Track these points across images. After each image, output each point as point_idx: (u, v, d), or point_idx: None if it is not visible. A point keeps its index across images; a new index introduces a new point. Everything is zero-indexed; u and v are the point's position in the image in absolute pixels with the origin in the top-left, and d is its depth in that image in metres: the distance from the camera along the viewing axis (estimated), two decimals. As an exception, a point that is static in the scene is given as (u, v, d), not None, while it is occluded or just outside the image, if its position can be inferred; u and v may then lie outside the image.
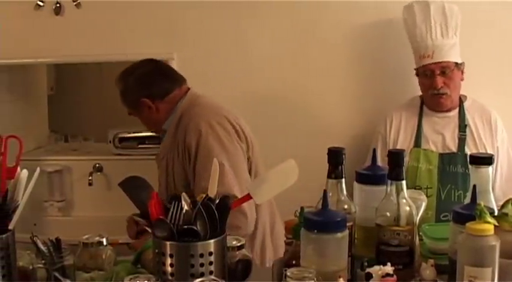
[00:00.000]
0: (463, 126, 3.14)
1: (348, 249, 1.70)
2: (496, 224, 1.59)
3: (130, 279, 1.55)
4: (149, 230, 1.68)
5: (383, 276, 1.64)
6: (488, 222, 1.57)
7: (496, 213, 1.71)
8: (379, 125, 3.30)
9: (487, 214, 1.58)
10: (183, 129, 2.68)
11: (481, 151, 3.04)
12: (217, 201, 1.65)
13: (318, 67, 3.52)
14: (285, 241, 1.85)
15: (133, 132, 3.72)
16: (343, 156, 1.80)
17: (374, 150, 2.04)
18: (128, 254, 2.31)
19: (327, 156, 1.81)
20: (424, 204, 2.01)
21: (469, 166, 1.96)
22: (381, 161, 2.01)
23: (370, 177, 1.94)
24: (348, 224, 1.70)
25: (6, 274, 1.69)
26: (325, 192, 1.70)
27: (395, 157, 1.81)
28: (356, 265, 1.80)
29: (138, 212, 1.75)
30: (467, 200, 1.68)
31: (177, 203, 1.64)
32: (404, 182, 1.81)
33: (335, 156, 1.80)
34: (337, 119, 3.54)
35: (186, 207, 1.64)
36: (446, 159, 3.09)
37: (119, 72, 2.85)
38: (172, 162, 2.72)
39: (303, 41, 3.50)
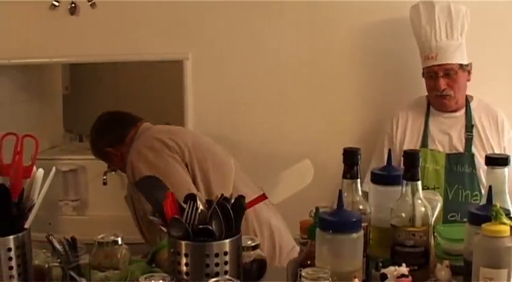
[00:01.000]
0: (469, 126, 3.14)
1: (363, 250, 1.70)
2: (512, 225, 1.59)
3: (146, 278, 1.55)
4: (164, 230, 1.68)
5: (398, 277, 1.64)
6: (504, 224, 1.57)
7: (512, 215, 1.71)
8: (386, 124, 3.30)
9: (503, 215, 1.58)
10: None
11: (488, 151, 3.04)
12: (232, 201, 1.66)
13: (326, 67, 3.52)
14: (300, 241, 1.85)
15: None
16: (359, 156, 1.79)
17: (389, 151, 2.04)
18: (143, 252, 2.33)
19: (342, 156, 1.80)
20: (439, 205, 2.00)
21: (481, 165, 1.95)
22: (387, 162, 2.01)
23: (385, 177, 1.93)
24: (363, 225, 1.69)
25: (22, 273, 1.71)
26: (340, 192, 1.70)
27: (410, 157, 1.80)
28: (371, 266, 1.80)
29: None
30: (475, 200, 1.70)
31: (192, 202, 1.64)
32: (419, 183, 1.80)
33: (350, 157, 1.79)
34: (344, 118, 3.54)
35: (201, 207, 1.64)
36: (453, 160, 3.08)
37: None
38: (133, 199, 2.77)
39: (314, 40, 3.50)
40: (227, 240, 1.60)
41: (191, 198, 1.66)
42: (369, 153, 3.19)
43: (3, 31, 3.47)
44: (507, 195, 1.85)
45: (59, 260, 1.83)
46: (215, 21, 3.49)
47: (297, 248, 1.91)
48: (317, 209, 1.79)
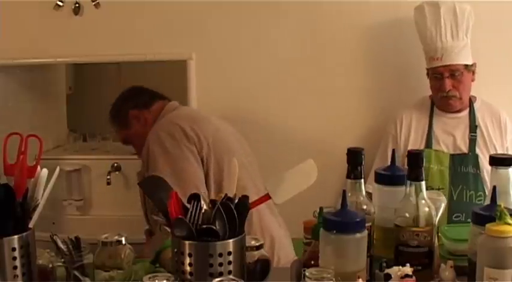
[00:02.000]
0: (473, 127, 3.14)
1: (367, 250, 1.70)
2: (516, 225, 1.58)
3: (149, 278, 1.55)
4: (168, 229, 1.68)
5: (402, 277, 1.63)
6: (509, 224, 1.56)
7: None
8: (390, 125, 3.30)
9: (507, 215, 1.57)
10: None
11: (491, 152, 3.04)
12: (236, 200, 1.66)
13: (330, 67, 3.52)
14: (303, 241, 1.85)
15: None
16: (363, 156, 1.79)
17: (393, 151, 2.04)
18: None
19: (346, 156, 1.80)
20: (443, 205, 2.00)
21: (485, 166, 1.95)
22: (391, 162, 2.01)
23: (389, 177, 1.93)
24: (366, 225, 1.69)
25: (26, 272, 1.70)
26: (344, 192, 1.70)
27: (414, 158, 1.80)
28: (375, 266, 1.79)
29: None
30: (479, 200, 1.69)
31: (196, 202, 1.64)
32: (423, 183, 1.80)
33: (354, 157, 1.79)
34: (348, 118, 3.54)
35: (205, 206, 1.64)
36: (458, 160, 3.09)
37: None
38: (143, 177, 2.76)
39: (317, 41, 3.50)
40: (231, 240, 1.60)
41: (195, 198, 1.65)
42: (372, 154, 3.18)
43: (7, 31, 3.48)
44: (511, 195, 1.85)
45: (62, 260, 1.83)
46: (219, 21, 3.50)
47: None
48: (321, 209, 1.79)
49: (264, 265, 1.80)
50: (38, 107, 3.98)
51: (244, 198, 1.69)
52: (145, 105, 2.92)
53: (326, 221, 1.66)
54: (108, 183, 3.75)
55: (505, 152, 3.07)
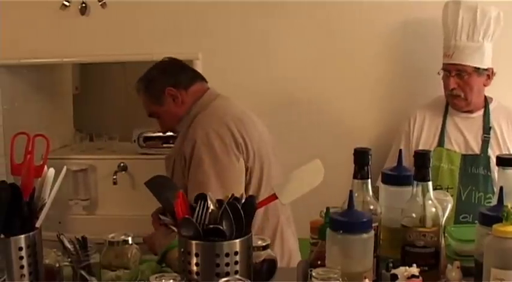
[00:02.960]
0: (487, 128, 3.11)
1: (374, 250, 1.70)
2: (524, 226, 1.58)
3: (156, 278, 1.55)
4: (175, 229, 1.68)
5: (408, 278, 1.63)
6: (516, 224, 1.56)
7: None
8: (403, 123, 3.28)
9: (514, 216, 1.57)
10: (185, 134, 2.68)
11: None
12: (243, 200, 1.66)
13: (341, 67, 3.50)
14: (310, 241, 1.85)
15: (158, 132, 3.72)
16: (369, 156, 1.79)
17: (400, 151, 2.03)
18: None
19: (353, 156, 1.80)
20: (450, 206, 2.00)
21: (496, 168, 1.94)
22: (405, 160, 2.00)
23: (396, 178, 1.93)
24: (373, 225, 1.69)
25: (33, 272, 1.71)
26: (351, 192, 1.70)
27: (421, 158, 1.80)
28: (381, 266, 1.79)
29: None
30: (488, 202, 1.69)
31: (203, 202, 1.64)
32: (430, 183, 1.79)
33: (361, 157, 1.79)
34: (361, 118, 3.53)
35: (212, 206, 1.64)
36: (469, 161, 3.07)
37: (143, 72, 2.86)
38: (175, 164, 2.70)
39: (327, 41, 3.49)
40: (237, 240, 1.60)
41: (202, 198, 1.66)
42: (383, 153, 3.17)
43: (13, 31, 3.49)
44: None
45: (69, 259, 1.84)
46: (225, 21, 3.49)
47: None
48: (327, 209, 1.79)
49: (271, 265, 1.80)
50: (44, 107, 3.99)
51: (251, 198, 1.69)
52: (185, 85, 2.75)
53: (333, 221, 1.66)
54: (115, 183, 3.75)
55: None
